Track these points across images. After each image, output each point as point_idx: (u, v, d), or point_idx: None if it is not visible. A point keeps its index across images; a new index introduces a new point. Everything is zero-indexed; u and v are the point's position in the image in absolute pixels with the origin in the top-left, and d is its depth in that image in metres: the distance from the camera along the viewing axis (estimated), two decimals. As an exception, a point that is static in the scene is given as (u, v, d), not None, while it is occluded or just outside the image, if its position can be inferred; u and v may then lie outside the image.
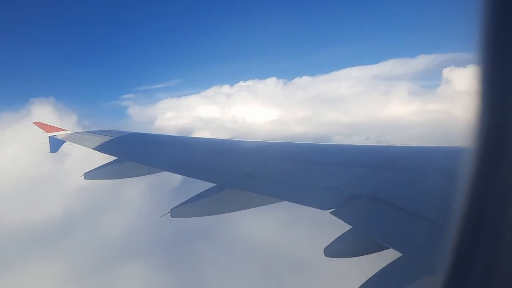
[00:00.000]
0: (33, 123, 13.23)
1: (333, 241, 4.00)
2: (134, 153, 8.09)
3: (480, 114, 0.90)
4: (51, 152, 11.09)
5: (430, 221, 3.18)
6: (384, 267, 3.12)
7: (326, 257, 4.07)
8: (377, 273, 3.13)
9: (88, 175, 7.62)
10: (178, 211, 5.35)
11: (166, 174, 7.02)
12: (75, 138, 10.76)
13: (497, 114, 0.86)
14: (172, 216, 5.32)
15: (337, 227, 3.82)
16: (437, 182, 3.93)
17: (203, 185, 5.60)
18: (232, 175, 5.81)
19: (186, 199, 5.46)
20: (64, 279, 22.91)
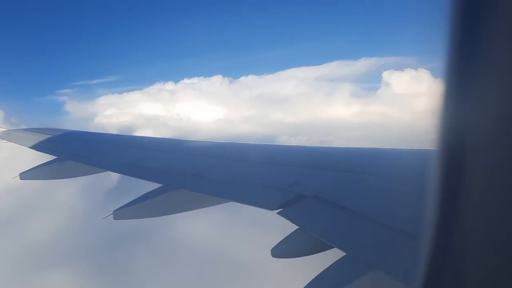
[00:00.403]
0: None
1: (280, 241, 4.05)
2: (75, 152, 7.71)
3: (439, 116, 0.93)
4: None
5: (372, 220, 3.31)
6: (329, 265, 3.21)
7: (273, 258, 4.11)
8: (322, 272, 3.21)
9: (25, 175, 7.16)
10: (122, 213, 5.18)
11: (102, 173, 6.75)
12: (9, 136, 10.05)
13: (457, 116, 0.90)
14: (114, 218, 5.14)
15: (284, 228, 3.87)
16: (379, 183, 4.11)
17: (144, 185, 5.46)
18: (178, 175, 5.72)
19: (125, 200, 5.28)
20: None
